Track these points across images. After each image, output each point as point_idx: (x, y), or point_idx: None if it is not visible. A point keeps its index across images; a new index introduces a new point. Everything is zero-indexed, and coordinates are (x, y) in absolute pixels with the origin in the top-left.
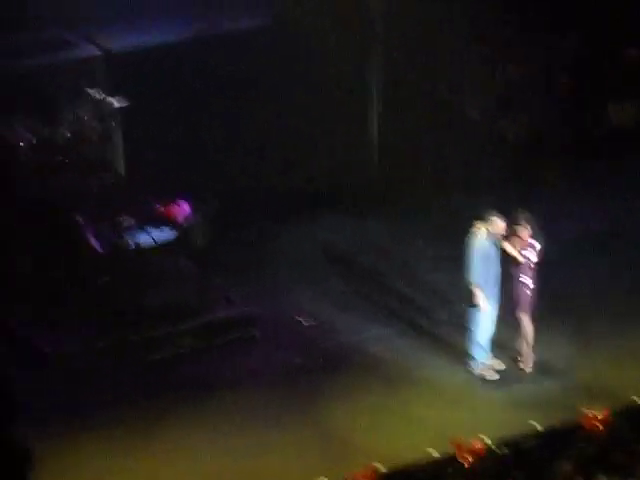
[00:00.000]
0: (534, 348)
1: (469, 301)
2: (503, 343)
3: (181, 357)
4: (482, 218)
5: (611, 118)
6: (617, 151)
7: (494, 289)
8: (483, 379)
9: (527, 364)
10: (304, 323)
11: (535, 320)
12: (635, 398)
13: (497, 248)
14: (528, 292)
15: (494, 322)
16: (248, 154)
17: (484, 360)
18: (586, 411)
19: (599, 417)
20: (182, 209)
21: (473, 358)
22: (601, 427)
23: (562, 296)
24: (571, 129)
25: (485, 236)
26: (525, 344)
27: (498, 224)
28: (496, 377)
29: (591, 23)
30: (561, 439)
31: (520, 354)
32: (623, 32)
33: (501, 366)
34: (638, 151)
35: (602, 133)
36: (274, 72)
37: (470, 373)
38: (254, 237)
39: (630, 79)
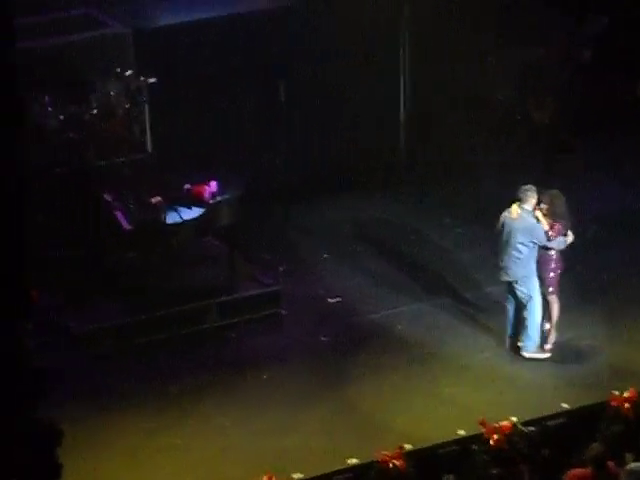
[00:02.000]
0: (559, 328)
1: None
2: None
3: (208, 335)
4: (516, 198)
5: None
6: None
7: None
8: (536, 359)
9: (549, 343)
10: (330, 300)
11: (561, 299)
12: None
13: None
14: (557, 271)
15: None
16: (278, 132)
17: (538, 342)
18: (614, 392)
19: (627, 397)
20: (211, 187)
21: (531, 342)
22: (629, 407)
23: (591, 275)
24: (598, 107)
25: (520, 215)
26: (549, 324)
27: (534, 200)
28: (548, 355)
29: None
30: (589, 419)
31: (545, 333)
32: None
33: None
34: None
35: (629, 111)
36: (304, 51)
37: (497, 353)
38: (283, 216)
39: None
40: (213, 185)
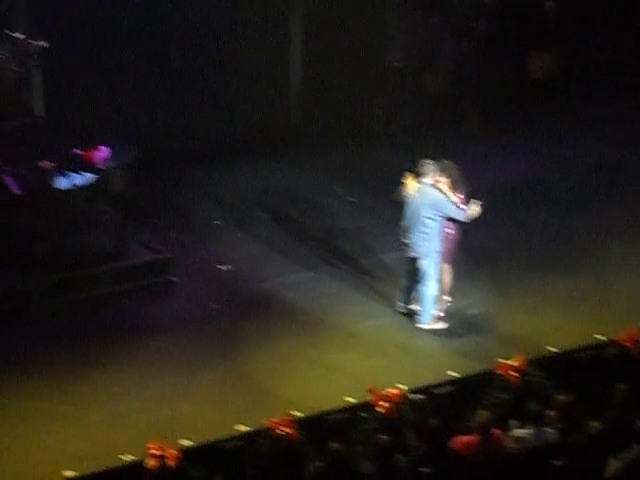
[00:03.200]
0: (450, 297)
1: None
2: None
3: (100, 301)
4: (415, 172)
5: (530, 69)
6: (535, 101)
7: None
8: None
9: (441, 312)
10: (222, 268)
11: (453, 269)
12: (549, 347)
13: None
14: (452, 241)
15: None
16: (170, 98)
17: (434, 314)
18: (501, 360)
19: (513, 365)
20: (102, 153)
21: (428, 314)
22: (515, 375)
23: (479, 245)
24: (491, 79)
25: (420, 188)
26: (442, 293)
27: (434, 174)
28: (445, 325)
29: None
30: (476, 387)
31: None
32: None
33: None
34: (555, 101)
35: (521, 83)
36: (198, 14)
37: (388, 321)
38: (175, 182)
39: (548, 31)
40: (104, 151)
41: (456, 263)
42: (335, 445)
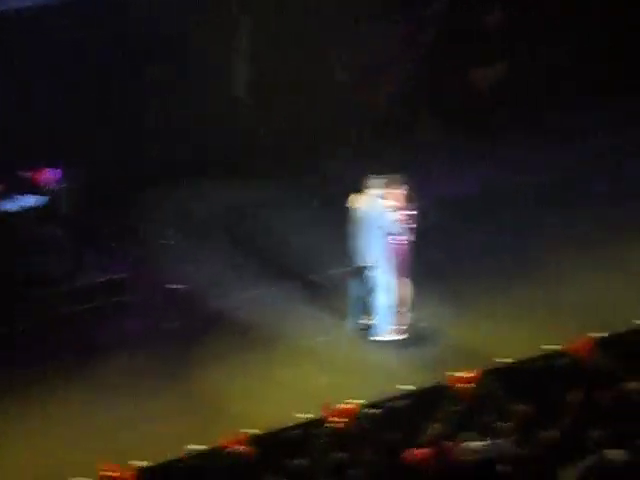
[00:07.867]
0: (408, 310)
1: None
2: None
3: (54, 323)
4: (363, 184)
5: (474, 82)
6: (483, 113)
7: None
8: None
9: (403, 325)
10: (175, 287)
11: (410, 283)
12: (503, 359)
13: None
14: (406, 254)
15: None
16: (120, 120)
17: (389, 325)
18: (452, 373)
19: (465, 378)
20: (51, 175)
21: (383, 325)
22: (467, 387)
23: (430, 257)
24: (440, 92)
25: (369, 202)
26: (401, 306)
27: (382, 188)
28: (401, 336)
29: None
30: (429, 400)
31: (397, 316)
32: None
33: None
34: (501, 112)
35: (467, 96)
36: (146, 38)
37: (339, 335)
38: (128, 203)
39: (489, 44)
40: (54, 172)
41: (413, 277)
42: (298, 462)
